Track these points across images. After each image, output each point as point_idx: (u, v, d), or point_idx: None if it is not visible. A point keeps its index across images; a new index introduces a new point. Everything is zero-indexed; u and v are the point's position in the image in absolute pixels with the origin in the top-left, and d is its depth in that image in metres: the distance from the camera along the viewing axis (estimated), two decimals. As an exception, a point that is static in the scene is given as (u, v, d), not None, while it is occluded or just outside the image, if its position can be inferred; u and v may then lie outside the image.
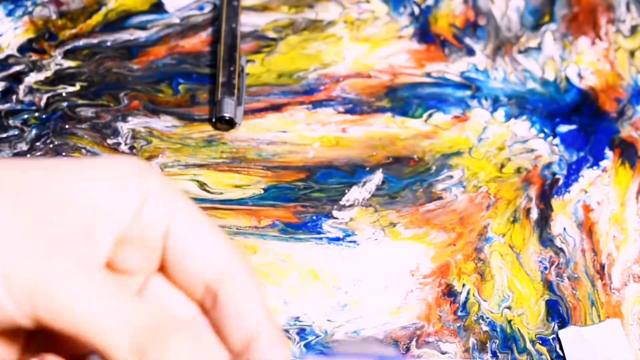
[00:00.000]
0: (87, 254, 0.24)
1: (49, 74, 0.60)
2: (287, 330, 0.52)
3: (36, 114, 0.58)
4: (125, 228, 0.25)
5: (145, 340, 0.23)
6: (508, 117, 0.61)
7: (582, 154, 0.60)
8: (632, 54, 0.64)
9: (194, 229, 0.26)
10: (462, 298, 0.54)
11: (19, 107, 0.58)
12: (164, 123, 0.59)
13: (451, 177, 0.58)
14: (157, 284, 0.27)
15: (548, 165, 0.59)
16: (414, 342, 0.53)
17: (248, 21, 0.63)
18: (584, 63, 0.63)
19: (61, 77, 0.60)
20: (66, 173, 0.25)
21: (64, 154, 0.57)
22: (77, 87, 0.59)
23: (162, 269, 0.27)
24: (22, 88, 0.59)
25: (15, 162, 0.24)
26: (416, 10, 0.64)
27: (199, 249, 0.26)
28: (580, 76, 0.63)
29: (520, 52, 0.63)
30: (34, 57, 0.60)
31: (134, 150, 0.58)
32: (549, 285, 0.55)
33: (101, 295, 0.23)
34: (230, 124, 0.58)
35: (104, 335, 0.23)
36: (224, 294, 0.26)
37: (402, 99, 0.61)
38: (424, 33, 0.63)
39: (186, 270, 0.27)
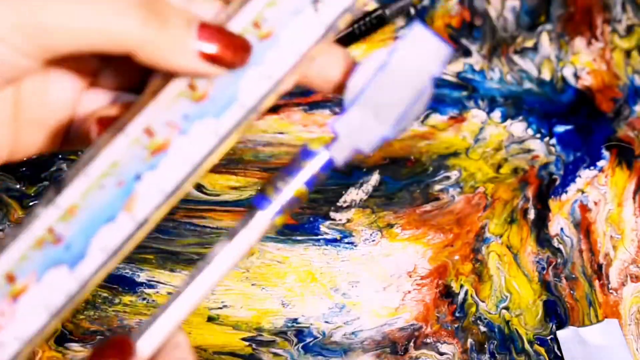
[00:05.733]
0: None
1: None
2: (285, 332, 0.52)
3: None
4: None
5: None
6: (505, 117, 0.61)
7: (578, 154, 0.60)
8: (628, 53, 0.64)
9: None
10: (459, 299, 0.54)
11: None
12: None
13: (448, 178, 0.58)
14: None
15: (545, 166, 0.59)
16: (412, 344, 0.52)
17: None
18: (580, 63, 0.63)
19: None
20: None
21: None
22: (73, 89, 0.59)
23: None
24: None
25: None
26: (412, 11, 0.64)
27: None
28: (576, 76, 0.63)
29: (516, 52, 0.63)
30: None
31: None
32: (546, 286, 0.55)
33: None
34: (227, 125, 0.58)
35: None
36: None
37: (398, 100, 0.61)
38: (420, 34, 0.63)
39: None
